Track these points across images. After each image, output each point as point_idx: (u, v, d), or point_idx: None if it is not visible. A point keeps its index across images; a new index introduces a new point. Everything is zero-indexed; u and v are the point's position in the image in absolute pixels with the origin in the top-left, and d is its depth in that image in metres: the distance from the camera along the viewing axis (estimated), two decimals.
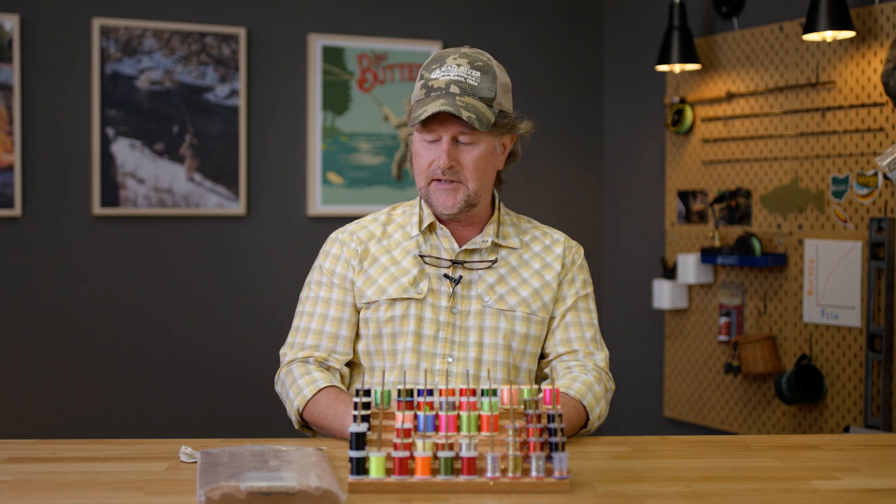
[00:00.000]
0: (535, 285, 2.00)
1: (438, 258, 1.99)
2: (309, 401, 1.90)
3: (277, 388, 2.02)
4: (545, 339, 2.03)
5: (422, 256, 1.99)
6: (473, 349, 1.95)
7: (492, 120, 1.91)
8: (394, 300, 1.96)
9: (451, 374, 1.94)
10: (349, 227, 2.08)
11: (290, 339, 2.04)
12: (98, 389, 3.67)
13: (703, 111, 3.81)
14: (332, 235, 2.08)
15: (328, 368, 2.00)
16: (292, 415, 1.95)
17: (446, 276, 1.98)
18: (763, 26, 3.58)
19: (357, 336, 2.03)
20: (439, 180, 1.94)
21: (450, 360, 1.95)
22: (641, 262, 4.16)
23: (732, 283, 3.70)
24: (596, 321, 2.06)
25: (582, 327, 2.02)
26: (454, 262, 1.99)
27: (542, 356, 2.05)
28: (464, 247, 2.00)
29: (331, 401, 1.88)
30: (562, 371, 2.00)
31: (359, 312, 2.01)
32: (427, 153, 1.94)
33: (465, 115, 1.86)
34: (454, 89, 1.90)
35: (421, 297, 1.96)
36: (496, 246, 2.02)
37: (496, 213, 2.05)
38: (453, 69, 1.92)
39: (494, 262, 2.00)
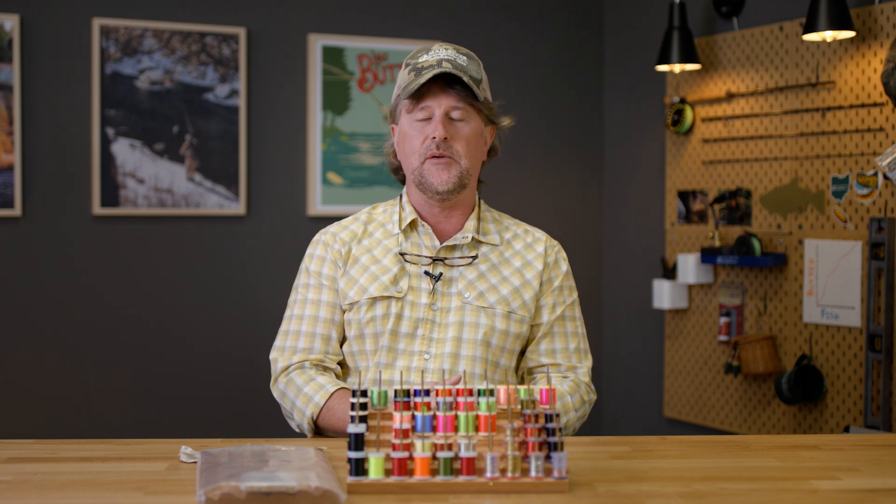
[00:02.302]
0: (515, 283, 2.01)
1: (419, 255, 2.00)
2: (322, 408, 1.90)
3: (277, 397, 2.00)
4: (529, 345, 2.04)
5: (402, 254, 1.99)
6: (450, 344, 1.95)
7: (482, 95, 1.95)
8: (374, 299, 1.96)
9: (427, 371, 1.94)
10: (330, 228, 2.08)
11: (279, 342, 2.03)
12: (98, 389, 3.67)
13: (703, 111, 3.81)
14: (315, 238, 2.08)
15: (325, 369, 2.00)
16: (304, 423, 1.93)
17: (427, 273, 1.98)
18: (763, 26, 3.58)
19: (343, 338, 2.03)
20: (433, 157, 1.94)
21: (426, 356, 1.95)
22: (641, 262, 4.16)
23: (732, 283, 3.70)
24: (581, 328, 2.07)
25: (566, 338, 2.04)
26: (434, 259, 1.99)
27: (522, 358, 2.05)
28: (444, 243, 2.00)
29: (346, 404, 1.87)
30: (540, 379, 2.02)
31: (344, 314, 2.01)
32: (419, 133, 1.95)
33: (465, 78, 1.90)
34: (447, 65, 1.92)
35: (401, 295, 1.96)
36: (476, 242, 2.03)
37: (476, 207, 2.06)
38: (441, 52, 1.96)
39: (475, 258, 2.01)
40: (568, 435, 1.96)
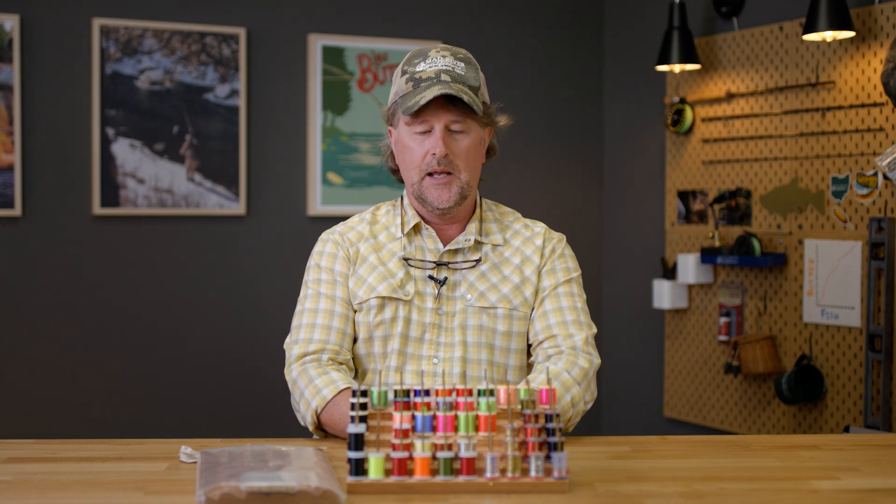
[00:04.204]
0: (515, 281, 2.00)
1: (423, 261, 1.99)
2: (329, 402, 1.86)
3: (289, 384, 1.96)
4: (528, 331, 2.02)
5: (406, 260, 1.99)
6: (458, 348, 1.95)
7: (482, 107, 1.93)
8: (383, 300, 1.95)
9: (437, 375, 1.93)
10: (337, 228, 2.07)
11: (294, 334, 1.99)
12: (98, 389, 3.67)
13: (703, 111, 3.81)
14: (323, 236, 2.06)
15: (341, 364, 1.96)
16: (308, 415, 1.89)
17: (431, 277, 1.98)
18: (763, 26, 3.58)
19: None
20: (433, 174, 1.93)
21: (435, 360, 1.94)
22: (641, 262, 4.16)
23: (732, 283, 3.70)
24: (580, 303, 2.01)
25: (561, 312, 1.99)
26: (438, 264, 1.99)
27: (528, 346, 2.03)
28: (447, 247, 1.99)
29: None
30: (541, 358, 1.98)
31: (354, 314, 2.00)
32: (419, 146, 1.94)
33: (465, 98, 1.88)
34: (445, 77, 1.91)
35: (408, 298, 1.96)
36: (479, 244, 2.02)
37: (478, 209, 2.05)
38: (439, 60, 1.94)
39: (478, 261, 2.00)
40: (579, 411, 1.89)
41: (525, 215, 2.18)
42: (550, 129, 4.29)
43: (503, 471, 1.49)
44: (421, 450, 1.49)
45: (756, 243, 3.51)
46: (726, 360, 3.64)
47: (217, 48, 3.77)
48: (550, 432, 1.52)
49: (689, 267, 3.77)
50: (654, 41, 4.00)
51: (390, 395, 1.61)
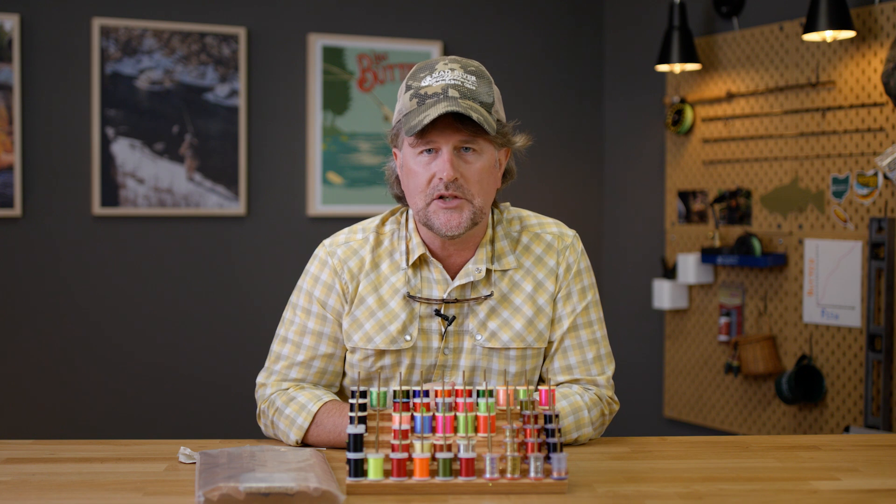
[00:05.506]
0: (528, 315, 1.85)
1: (429, 299, 1.83)
2: (308, 429, 1.77)
3: (261, 425, 1.87)
4: (544, 363, 1.90)
5: (412, 297, 1.83)
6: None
7: (495, 126, 1.75)
8: (382, 352, 1.83)
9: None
10: (338, 250, 1.87)
11: (270, 365, 1.88)
12: (97, 390, 3.67)
13: (703, 111, 3.81)
14: (322, 257, 1.88)
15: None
16: (293, 440, 1.80)
17: (437, 312, 1.83)
18: (763, 26, 3.58)
19: (344, 372, 1.91)
20: (441, 197, 1.75)
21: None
22: (641, 262, 4.15)
23: (732, 283, 3.70)
24: (599, 331, 1.90)
25: (582, 349, 1.87)
26: (446, 302, 1.83)
27: (541, 380, 1.92)
28: (455, 282, 1.83)
29: (335, 417, 1.77)
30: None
31: (346, 352, 1.87)
32: (425, 169, 1.75)
33: (474, 116, 1.69)
34: (453, 93, 1.72)
35: (410, 345, 1.82)
36: (489, 272, 1.85)
37: (489, 229, 1.87)
38: (447, 74, 1.75)
39: (490, 295, 1.84)
40: (582, 436, 1.82)
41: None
42: (550, 129, 4.29)
43: (502, 472, 1.49)
44: (420, 451, 1.49)
45: (756, 243, 3.51)
46: (726, 360, 3.64)
47: (217, 48, 3.77)
48: (550, 433, 1.52)
49: (690, 267, 3.76)
50: (654, 41, 4.00)
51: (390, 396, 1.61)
